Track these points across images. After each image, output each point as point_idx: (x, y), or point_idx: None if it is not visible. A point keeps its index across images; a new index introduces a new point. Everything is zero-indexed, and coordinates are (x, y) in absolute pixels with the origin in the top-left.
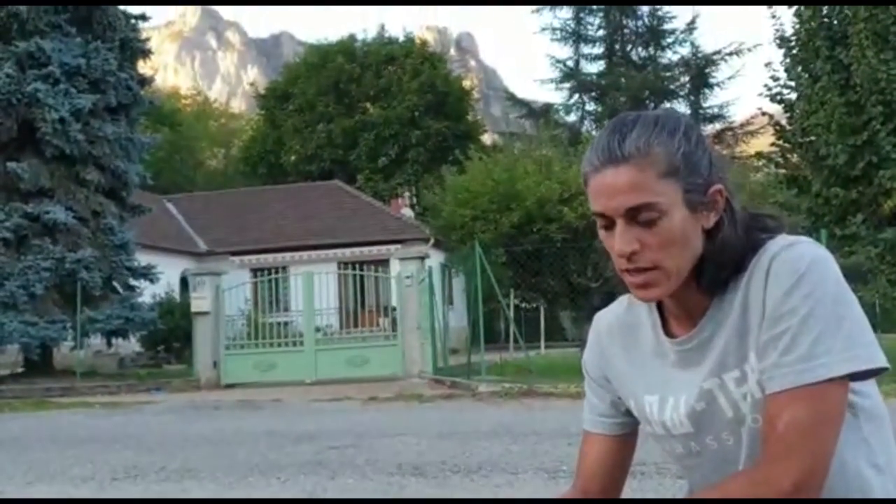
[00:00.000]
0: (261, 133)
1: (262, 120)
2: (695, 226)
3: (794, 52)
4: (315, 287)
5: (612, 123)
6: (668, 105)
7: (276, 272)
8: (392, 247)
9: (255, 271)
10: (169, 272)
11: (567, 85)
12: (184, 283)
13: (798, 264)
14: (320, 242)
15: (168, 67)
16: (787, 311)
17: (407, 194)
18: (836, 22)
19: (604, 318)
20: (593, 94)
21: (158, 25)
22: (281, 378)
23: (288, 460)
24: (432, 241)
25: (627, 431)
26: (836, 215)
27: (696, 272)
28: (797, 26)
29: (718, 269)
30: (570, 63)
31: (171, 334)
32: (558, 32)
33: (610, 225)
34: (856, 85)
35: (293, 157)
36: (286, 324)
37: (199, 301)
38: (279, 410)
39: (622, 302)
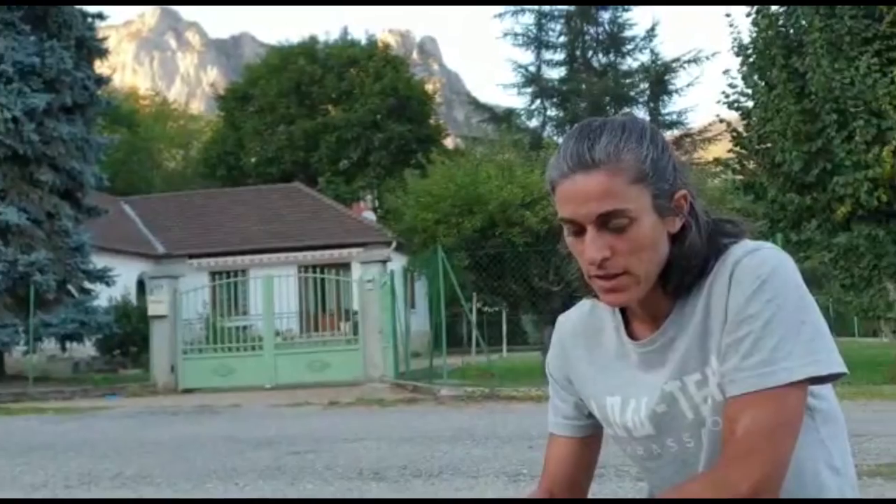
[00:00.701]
0: (220, 134)
1: (221, 121)
2: (662, 231)
3: (751, 60)
4: (275, 290)
5: (578, 129)
6: (627, 111)
7: (236, 275)
8: (353, 250)
9: (214, 274)
10: (125, 275)
11: (529, 90)
12: (140, 286)
13: (761, 270)
14: (280, 245)
15: (126, 67)
16: (750, 315)
17: (369, 197)
18: (791, 31)
19: (567, 321)
20: (555, 99)
21: (116, 24)
22: (240, 383)
23: (247, 466)
24: (394, 244)
25: (591, 434)
26: (792, 221)
27: (661, 276)
28: (754, 35)
29: (684, 273)
30: (532, 68)
31: (127, 338)
32: (520, 38)
33: (579, 231)
34: (811, 93)
35: (253, 159)
36: (245, 328)
37: (157, 304)
38: (238, 415)
39: (585, 304)
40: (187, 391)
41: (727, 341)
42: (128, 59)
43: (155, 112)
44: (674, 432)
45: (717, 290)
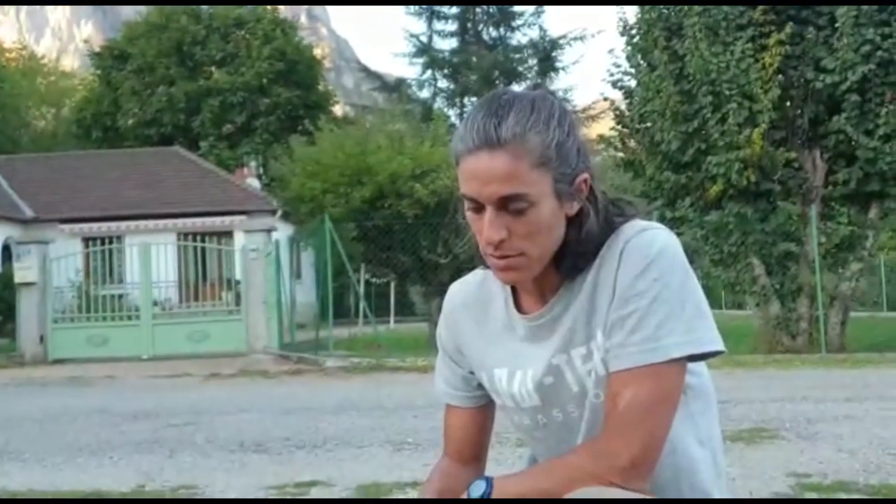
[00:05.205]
0: (95, 94)
1: (97, 80)
2: (560, 214)
3: (635, 40)
4: (153, 258)
5: (487, 102)
6: (516, 87)
7: (111, 242)
8: (236, 218)
9: (88, 240)
10: None
11: (420, 60)
12: (6, 251)
13: (649, 249)
14: (159, 212)
15: None
16: (636, 293)
17: (253, 164)
18: (672, 14)
19: (459, 291)
20: (445, 71)
21: None
22: (115, 353)
23: (122, 439)
24: (280, 213)
25: (486, 402)
26: (668, 198)
27: (556, 256)
28: (639, 16)
29: (578, 256)
30: (424, 38)
31: None
32: (412, 7)
33: (479, 209)
34: (689, 75)
35: (131, 121)
36: (121, 296)
37: (24, 271)
38: (113, 387)
39: (477, 274)
40: (58, 362)
41: (613, 317)
42: None
43: (22, 67)
44: (560, 403)
45: (606, 266)
